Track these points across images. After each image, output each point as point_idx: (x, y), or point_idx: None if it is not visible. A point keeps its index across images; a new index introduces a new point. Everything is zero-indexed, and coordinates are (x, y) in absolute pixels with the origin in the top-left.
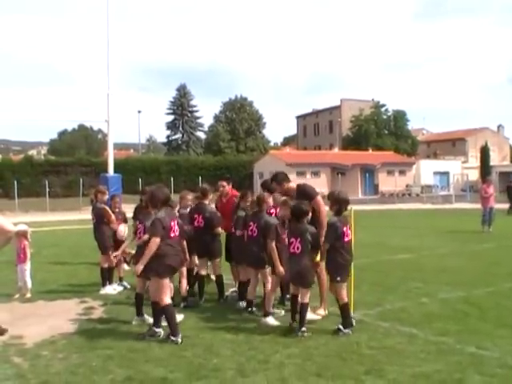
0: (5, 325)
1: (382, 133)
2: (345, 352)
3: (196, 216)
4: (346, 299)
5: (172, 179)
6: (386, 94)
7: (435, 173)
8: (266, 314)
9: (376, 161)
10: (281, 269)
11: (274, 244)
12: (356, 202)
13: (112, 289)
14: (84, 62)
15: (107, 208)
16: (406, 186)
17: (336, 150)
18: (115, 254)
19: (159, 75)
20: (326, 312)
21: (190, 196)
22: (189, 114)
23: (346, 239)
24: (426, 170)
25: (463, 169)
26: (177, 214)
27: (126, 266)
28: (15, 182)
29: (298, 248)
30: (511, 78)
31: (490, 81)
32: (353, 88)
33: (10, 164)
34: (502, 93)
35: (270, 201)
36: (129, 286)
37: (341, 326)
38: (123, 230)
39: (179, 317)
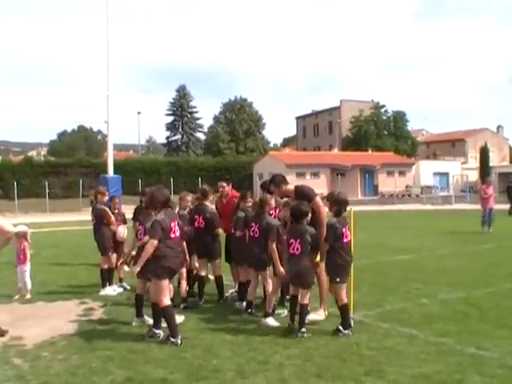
0: (5, 326)
1: (381, 133)
2: (345, 353)
3: (196, 217)
4: (345, 300)
5: (172, 180)
6: (385, 95)
7: (435, 173)
8: (267, 315)
9: (376, 161)
10: (281, 269)
11: (274, 245)
12: (356, 203)
13: (112, 290)
14: (84, 62)
15: (107, 209)
16: (406, 186)
17: (336, 150)
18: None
19: (159, 76)
20: (326, 313)
21: (189, 197)
22: (188, 115)
23: (345, 240)
24: (426, 170)
25: (463, 169)
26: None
27: (125, 267)
28: (15, 183)
29: (297, 249)
30: (511, 78)
31: (490, 81)
32: (353, 88)
33: (9, 165)
34: (502, 93)
35: (273, 202)
36: (129, 287)
37: (340, 327)
38: (122, 231)
39: (180, 318)
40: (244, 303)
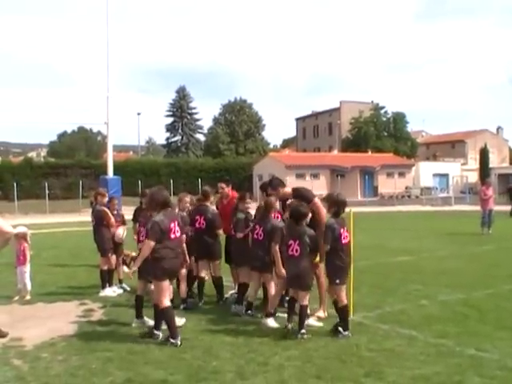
0: (4, 327)
1: (381, 135)
2: (344, 354)
3: (197, 217)
4: (345, 301)
5: (171, 181)
6: (385, 96)
7: (434, 175)
8: (268, 315)
9: (375, 163)
10: (283, 271)
11: (277, 247)
12: (355, 204)
13: (112, 291)
14: (84, 63)
15: (107, 210)
16: (406, 188)
17: (335, 152)
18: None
19: (159, 77)
20: (326, 314)
21: (188, 198)
22: (188, 116)
23: (344, 241)
24: (426, 172)
25: (462, 171)
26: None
27: (125, 269)
28: (15, 184)
29: (296, 250)
30: (511, 79)
31: (490, 82)
32: (352, 89)
33: (9, 166)
34: (502, 94)
35: (277, 205)
36: (128, 289)
37: (340, 328)
38: (121, 232)
39: (181, 321)
40: (241, 306)
